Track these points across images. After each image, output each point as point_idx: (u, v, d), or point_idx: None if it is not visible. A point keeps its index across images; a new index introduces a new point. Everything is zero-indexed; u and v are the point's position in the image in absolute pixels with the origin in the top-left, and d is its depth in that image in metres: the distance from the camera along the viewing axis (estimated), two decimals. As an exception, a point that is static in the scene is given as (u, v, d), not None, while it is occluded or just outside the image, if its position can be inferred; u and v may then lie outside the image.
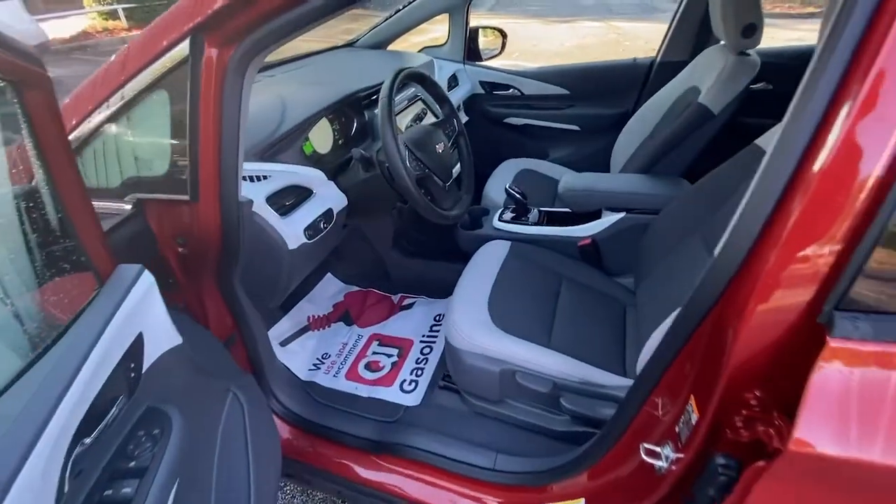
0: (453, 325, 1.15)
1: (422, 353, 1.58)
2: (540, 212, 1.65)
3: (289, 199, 1.12)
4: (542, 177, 1.99)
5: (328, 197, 1.24)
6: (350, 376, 1.53)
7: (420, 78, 1.31)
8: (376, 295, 1.84)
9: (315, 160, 1.27)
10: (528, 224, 1.60)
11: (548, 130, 2.25)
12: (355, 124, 1.40)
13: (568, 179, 1.60)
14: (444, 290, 1.64)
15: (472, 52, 2.26)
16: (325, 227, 1.16)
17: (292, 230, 1.07)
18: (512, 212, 1.65)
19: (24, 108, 0.50)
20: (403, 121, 1.53)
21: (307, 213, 1.12)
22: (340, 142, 1.38)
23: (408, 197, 1.12)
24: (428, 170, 1.22)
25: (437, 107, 1.48)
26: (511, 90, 2.25)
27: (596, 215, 1.54)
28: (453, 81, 2.15)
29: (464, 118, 2.27)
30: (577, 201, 1.57)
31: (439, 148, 1.28)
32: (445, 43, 2.23)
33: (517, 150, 2.18)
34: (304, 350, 1.59)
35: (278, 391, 1.40)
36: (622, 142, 1.83)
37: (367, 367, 1.56)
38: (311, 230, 1.12)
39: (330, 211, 1.21)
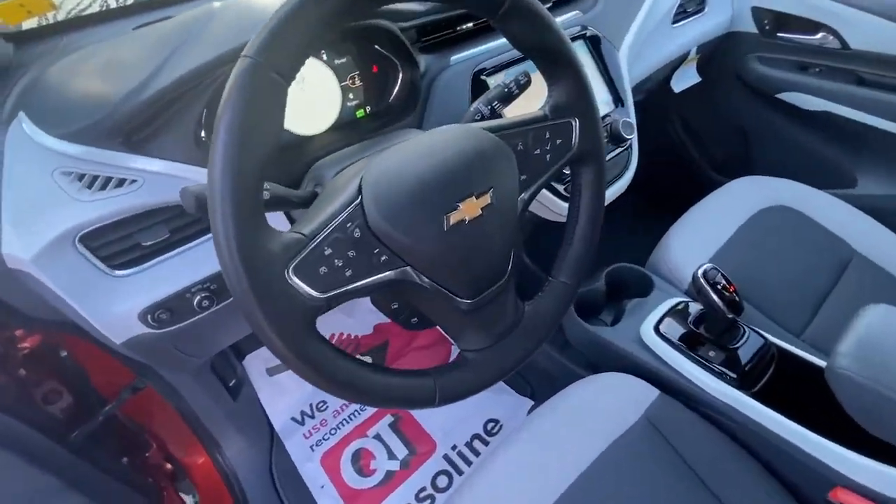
0: None
1: (436, 477, 0.96)
2: (768, 348, 0.73)
3: (158, 233, 0.56)
4: (824, 235, 0.96)
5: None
6: (327, 462, 1.03)
7: None
8: (432, 335, 1.23)
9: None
10: (719, 373, 0.71)
11: (877, 135, 1.08)
12: (400, 80, 0.70)
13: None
14: (526, 379, 1.06)
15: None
16: (209, 305, 0.58)
17: (119, 307, 0.53)
18: (697, 319, 0.76)
19: None
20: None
21: (175, 271, 0.56)
22: (365, 110, 0.71)
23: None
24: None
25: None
26: (821, 34, 1.10)
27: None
28: (695, 2, 1.13)
29: (690, 80, 1.25)
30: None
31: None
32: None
33: (781, 159, 1.12)
34: (297, 388, 1.13)
35: (230, 447, 1.00)
36: None
37: (355, 458, 1.03)
38: (166, 310, 0.56)
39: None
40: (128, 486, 0.83)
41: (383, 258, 0.39)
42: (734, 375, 0.69)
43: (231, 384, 1.02)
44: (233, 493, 0.98)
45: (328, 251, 0.36)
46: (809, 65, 1.14)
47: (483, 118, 0.57)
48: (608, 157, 0.83)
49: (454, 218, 0.41)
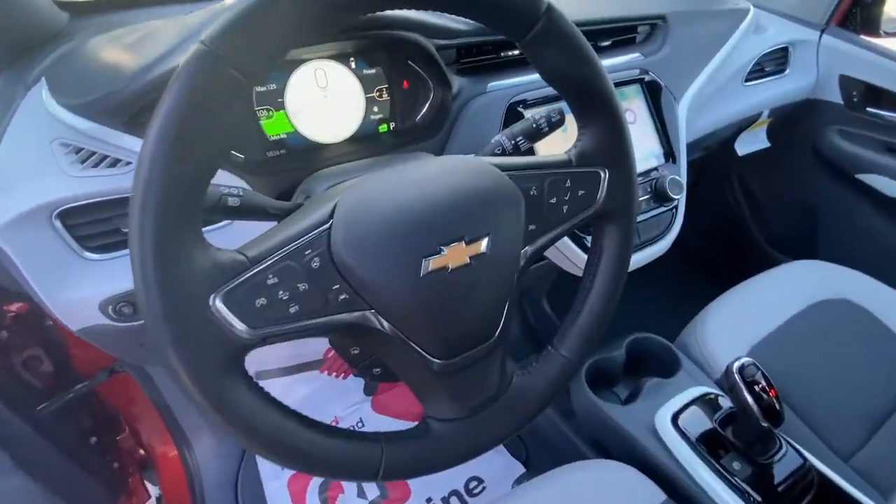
0: None
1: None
2: (807, 472, 0.61)
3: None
4: (892, 341, 0.83)
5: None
6: (294, 486, 0.96)
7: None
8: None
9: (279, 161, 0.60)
10: (742, 491, 0.60)
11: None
12: (431, 99, 0.65)
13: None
14: (523, 440, 0.99)
15: (853, 16, 1.03)
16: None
17: (79, 292, 0.49)
18: (725, 419, 0.66)
19: None
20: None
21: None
22: (389, 126, 0.67)
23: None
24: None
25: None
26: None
27: None
28: (775, 62, 1.03)
29: (758, 144, 1.14)
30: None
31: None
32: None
33: (851, 246, 0.99)
34: (283, 399, 1.08)
35: (199, 447, 0.96)
36: None
37: (323, 488, 0.96)
38: (129, 304, 0.51)
39: None
40: (86, 471, 0.80)
41: (342, 297, 0.33)
42: (759, 499, 0.57)
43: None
44: (193, 496, 0.93)
45: (272, 280, 0.31)
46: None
47: (504, 153, 0.51)
48: (648, 215, 0.74)
49: (434, 263, 0.34)
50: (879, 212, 1.07)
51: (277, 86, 0.58)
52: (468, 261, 0.35)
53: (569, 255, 0.69)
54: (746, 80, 0.98)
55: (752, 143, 1.12)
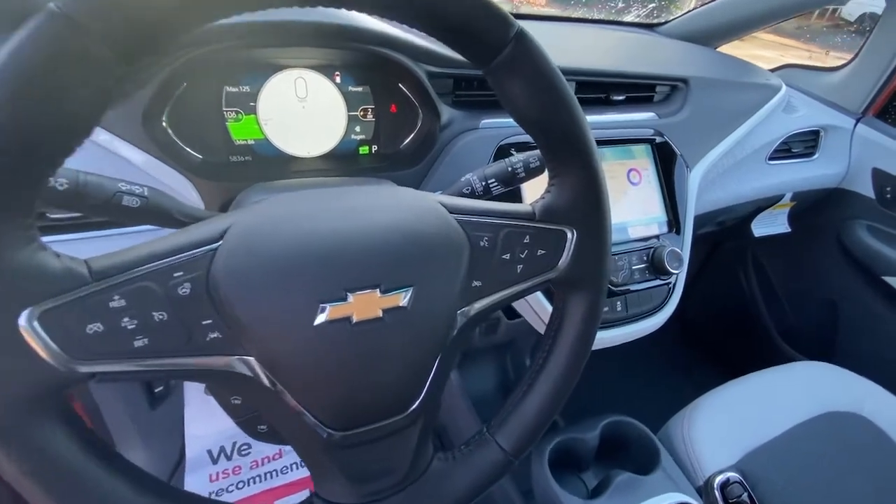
0: None
1: None
2: None
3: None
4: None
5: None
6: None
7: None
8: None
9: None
10: None
11: None
12: (418, 127, 0.60)
13: None
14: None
15: (893, 108, 0.98)
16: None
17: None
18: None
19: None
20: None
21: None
22: (371, 148, 0.62)
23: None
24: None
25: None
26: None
27: None
28: (804, 144, 0.97)
29: (777, 227, 1.06)
30: None
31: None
32: (839, 68, 1.02)
33: (872, 354, 0.90)
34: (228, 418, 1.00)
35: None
36: None
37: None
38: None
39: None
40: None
41: (212, 336, 0.27)
42: None
43: (157, 389, 0.91)
44: None
45: (118, 302, 0.25)
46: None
47: (473, 194, 0.45)
48: (642, 287, 0.67)
49: (334, 312, 0.28)
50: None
51: (251, 89, 0.54)
52: (380, 314, 0.29)
53: (540, 314, 0.62)
54: (770, 159, 0.92)
55: (770, 225, 1.04)
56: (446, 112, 0.60)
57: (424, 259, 0.31)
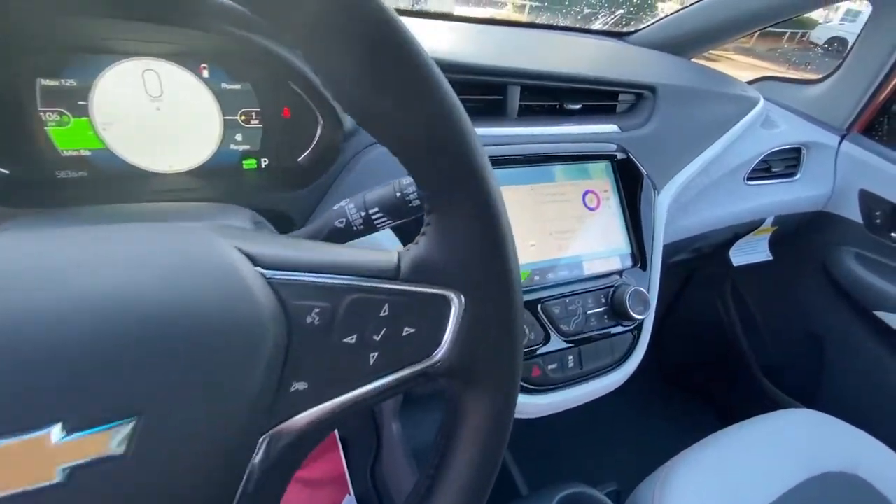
0: None
1: None
2: None
3: None
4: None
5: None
6: None
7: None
8: (327, 466, 0.92)
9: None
10: None
11: None
12: (318, 136, 0.47)
13: None
14: None
15: (880, 124, 0.89)
16: None
17: None
18: None
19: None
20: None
21: None
22: (260, 162, 0.49)
23: None
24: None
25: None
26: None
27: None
28: (785, 163, 0.87)
29: (757, 255, 0.96)
30: None
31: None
32: (820, 80, 0.93)
33: (864, 397, 0.79)
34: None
35: None
36: None
37: None
38: None
39: None
40: None
41: None
42: None
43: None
44: None
45: None
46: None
47: (350, 229, 0.32)
48: (601, 333, 0.55)
49: None
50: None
51: (78, 83, 0.41)
52: (56, 477, 0.15)
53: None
54: (749, 179, 0.82)
55: (750, 252, 0.94)
56: (349, 119, 0.48)
57: (178, 358, 0.17)
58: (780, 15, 0.85)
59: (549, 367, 0.50)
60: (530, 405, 0.49)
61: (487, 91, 0.58)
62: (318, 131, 0.48)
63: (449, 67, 0.53)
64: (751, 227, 0.86)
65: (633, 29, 1.15)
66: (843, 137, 0.89)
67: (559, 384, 0.51)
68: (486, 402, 0.24)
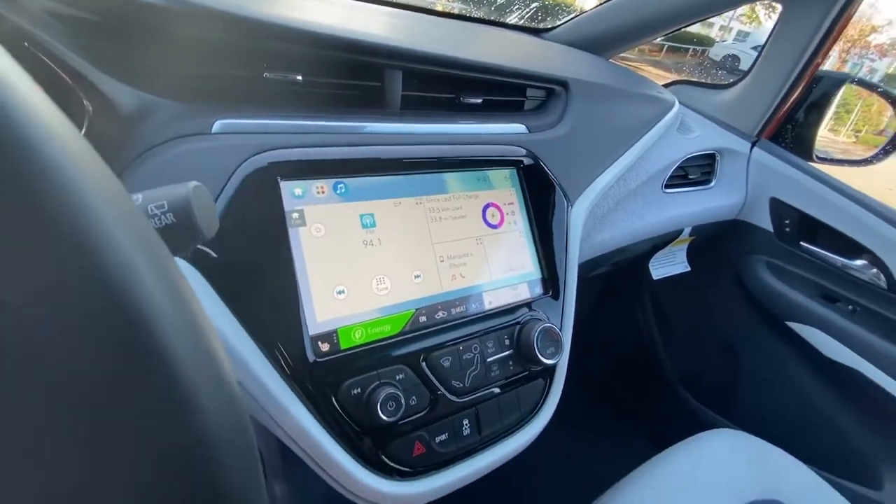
0: None
1: None
2: None
3: None
4: None
5: None
6: None
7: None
8: None
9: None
10: None
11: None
12: (87, 123, 0.33)
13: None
14: None
15: (786, 132, 0.88)
16: None
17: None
18: None
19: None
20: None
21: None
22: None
23: None
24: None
25: None
26: (862, 261, 0.79)
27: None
28: (700, 169, 0.83)
29: (675, 268, 0.92)
30: None
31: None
32: (731, 85, 0.91)
33: (781, 414, 0.78)
34: None
35: None
36: None
37: None
38: None
39: None
40: None
41: None
42: None
43: None
44: None
45: None
46: (840, 297, 0.81)
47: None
48: (505, 387, 0.44)
49: None
50: (815, 377, 0.86)
51: None
52: None
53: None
54: (667, 187, 0.76)
55: (669, 264, 0.89)
56: (127, 93, 0.32)
57: None
58: (694, 16, 0.81)
59: (437, 439, 0.38)
60: (412, 495, 0.36)
61: (363, 76, 0.45)
62: (85, 121, 0.32)
63: (308, 40, 0.39)
64: (670, 237, 0.81)
65: (549, 25, 1.08)
66: (753, 144, 0.87)
67: (451, 460, 0.39)
68: None
